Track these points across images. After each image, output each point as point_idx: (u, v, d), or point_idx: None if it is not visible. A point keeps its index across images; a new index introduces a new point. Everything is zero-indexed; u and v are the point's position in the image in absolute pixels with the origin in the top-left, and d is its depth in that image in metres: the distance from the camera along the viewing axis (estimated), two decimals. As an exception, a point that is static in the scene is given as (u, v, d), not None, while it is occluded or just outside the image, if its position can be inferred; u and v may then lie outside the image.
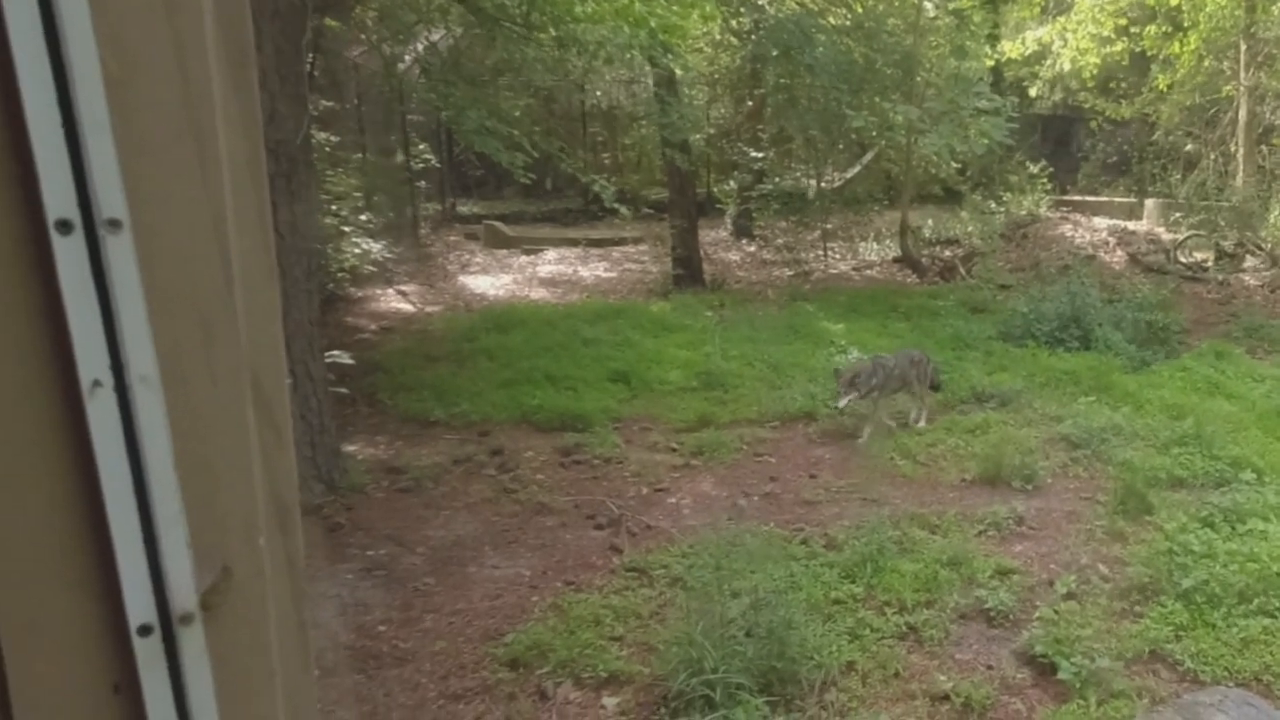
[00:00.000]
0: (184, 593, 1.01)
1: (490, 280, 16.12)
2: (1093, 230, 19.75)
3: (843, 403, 9.08)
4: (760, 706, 4.86)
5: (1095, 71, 21.67)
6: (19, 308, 0.94)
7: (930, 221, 19.36)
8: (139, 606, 1.00)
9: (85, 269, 0.95)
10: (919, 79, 16.48)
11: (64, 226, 0.94)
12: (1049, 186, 21.33)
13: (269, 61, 6.92)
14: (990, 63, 20.00)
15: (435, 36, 14.17)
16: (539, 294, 15.38)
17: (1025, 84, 22.68)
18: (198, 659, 1.03)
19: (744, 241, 19.16)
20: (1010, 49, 21.28)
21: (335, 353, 8.94)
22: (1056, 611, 5.79)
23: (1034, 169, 21.16)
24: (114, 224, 0.95)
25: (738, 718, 4.77)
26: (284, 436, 1.19)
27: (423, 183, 18.70)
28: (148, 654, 1.00)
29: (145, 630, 1.00)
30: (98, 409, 0.96)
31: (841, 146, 18.41)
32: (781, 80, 16.57)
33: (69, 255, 0.94)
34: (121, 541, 0.99)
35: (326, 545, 6.78)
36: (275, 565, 1.14)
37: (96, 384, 0.96)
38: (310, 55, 10.17)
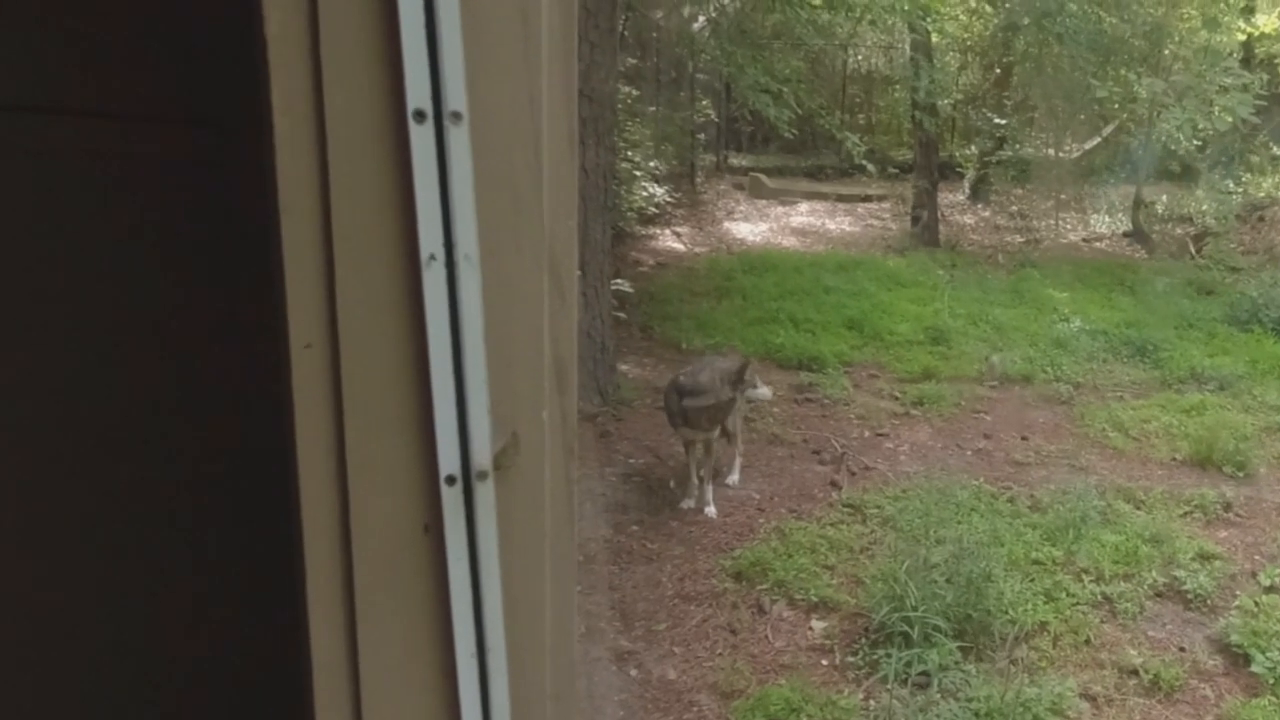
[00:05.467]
0: (482, 452, 1.06)
1: (750, 227, 15.86)
2: (1336, 217, 17.63)
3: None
4: (953, 650, 4.67)
5: (1355, 48, 19.03)
6: (384, 186, 1.00)
7: (1164, 198, 17.69)
8: (448, 459, 1.05)
9: (432, 154, 1.00)
10: (1167, 51, 15.07)
11: (420, 116, 0.99)
12: (1292, 169, 19.02)
13: (590, 18, 7.01)
14: (1241, 37, 18.02)
15: (725, 0, 14.03)
16: (790, 242, 15.03)
17: (1277, 61, 20.05)
18: (488, 512, 1.07)
19: (979, 206, 18.16)
20: (1265, 23, 18.72)
21: (619, 281, 9.13)
22: (1257, 603, 5.23)
23: (1277, 150, 18.88)
24: (456, 116, 0.99)
25: (931, 658, 4.61)
26: (568, 300, 1.21)
27: (702, 135, 18.55)
28: (451, 502, 1.06)
29: (451, 480, 1.06)
30: (431, 280, 1.02)
31: (1083, 117, 17.08)
32: (1030, 49, 15.49)
33: (421, 142, 0.99)
34: (440, 400, 1.04)
35: (597, 449, 6.97)
36: (551, 423, 1.16)
37: (432, 258, 1.01)
38: (623, 16, 10.28)
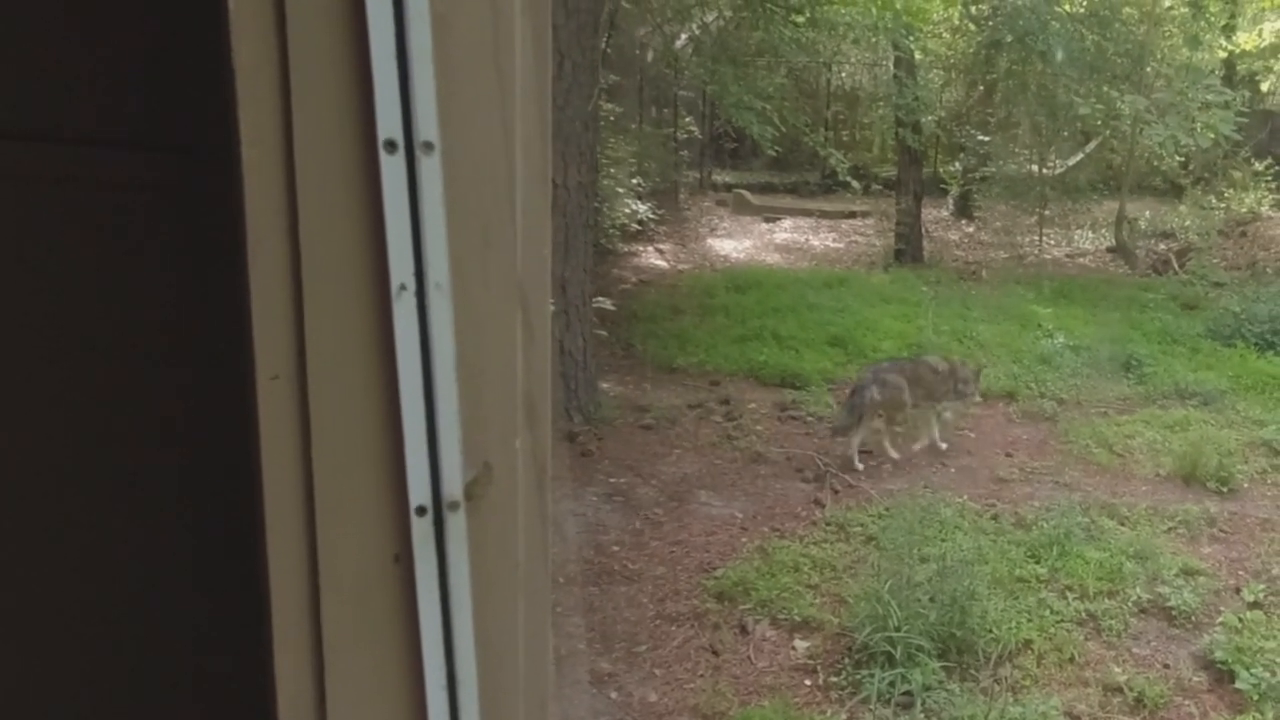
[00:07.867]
0: (453, 482, 1.05)
1: (734, 244, 15.93)
2: (1317, 231, 17.73)
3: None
4: (937, 670, 4.68)
5: (1335, 66, 19.16)
6: (354, 215, 0.99)
7: (1148, 213, 17.79)
8: (419, 489, 1.04)
9: (403, 184, 0.99)
10: (1149, 69, 15.20)
11: (390, 146, 0.98)
12: (1273, 185, 19.23)
13: (573, 37, 7.02)
14: (1223, 54, 18.03)
15: (709, 18, 14.11)
16: (774, 259, 15.10)
17: (1258, 78, 20.02)
18: (459, 543, 1.06)
19: (964, 222, 18.27)
20: (1246, 41, 18.62)
21: (600, 299, 9.13)
22: (1241, 619, 5.26)
23: (1259, 166, 19.10)
24: (428, 146, 0.99)
25: (915, 678, 4.61)
26: (539, 334, 1.19)
27: (685, 152, 18.63)
28: (422, 532, 1.05)
29: (421, 511, 1.04)
30: (402, 310, 1.01)
31: (1066, 134, 17.17)
32: (1014, 66, 15.60)
33: (392, 172, 0.99)
34: (410, 431, 1.03)
35: (578, 469, 6.96)
36: (524, 458, 1.14)
37: (402, 288, 1.00)
38: (606, 34, 10.31)
